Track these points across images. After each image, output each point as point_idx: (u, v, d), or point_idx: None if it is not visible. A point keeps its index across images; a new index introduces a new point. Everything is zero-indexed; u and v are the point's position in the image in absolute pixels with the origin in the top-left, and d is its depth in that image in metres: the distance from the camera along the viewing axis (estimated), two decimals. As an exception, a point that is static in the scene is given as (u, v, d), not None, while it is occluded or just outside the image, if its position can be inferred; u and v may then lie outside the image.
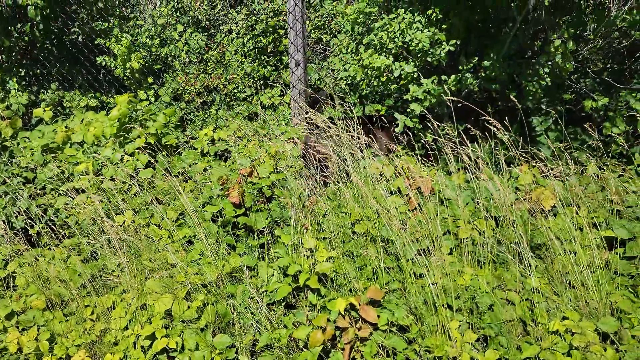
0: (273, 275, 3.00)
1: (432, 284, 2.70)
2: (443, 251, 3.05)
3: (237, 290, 2.89)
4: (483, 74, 3.88)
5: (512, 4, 3.77)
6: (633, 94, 3.81)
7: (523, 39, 4.14)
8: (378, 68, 3.72)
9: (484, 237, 3.13)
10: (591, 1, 4.33)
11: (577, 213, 3.24)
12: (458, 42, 3.93)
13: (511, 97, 4.32)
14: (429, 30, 3.54)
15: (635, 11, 3.49)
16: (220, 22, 6.14)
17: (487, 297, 2.67)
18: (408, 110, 3.79)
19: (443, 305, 2.65)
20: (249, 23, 5.89)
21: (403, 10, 3.57)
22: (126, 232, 3.27)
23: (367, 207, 3.43)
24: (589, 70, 3.99)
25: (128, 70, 5.27)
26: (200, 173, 4.07)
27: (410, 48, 3.61)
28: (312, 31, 6.21)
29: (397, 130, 3.80)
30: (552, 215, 3.31)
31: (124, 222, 3.40)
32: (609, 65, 4.37)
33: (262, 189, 3.65)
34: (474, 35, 4.13)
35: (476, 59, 3.87)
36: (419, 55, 3.73)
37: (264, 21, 5.69)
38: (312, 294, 2.80)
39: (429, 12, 3.64)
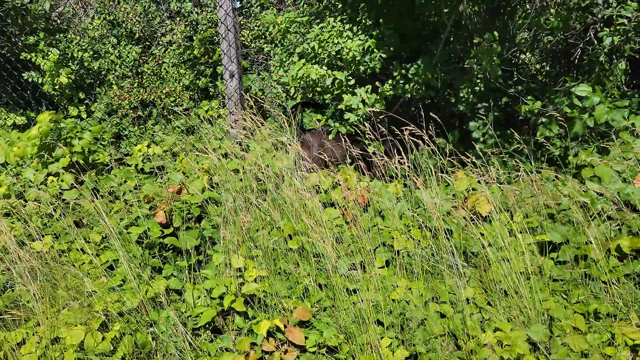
0: (199, 298, 2.84)
1: (362, 300, 2.60)
2: (377, 264, 2.96)
3: (160, 316, 2.72)
4: (417, 81, 3.83)
5: (446, 9, 3.74)
6: (565, 97, 3.82)
7: (457, 44, 4.12)
8: (312, 79, 3.62)
9: (420, 248, 3.05)
10: (528, 5, 4.36)
11: (511, 219, 3.20)
12: (392, 49, 3.87)
13: (449, 102, 4.30)
14: (359, 39, 3.47)
15: (559, 12, 3.51)
16: (159, 34, 5.96)
17: (420, 312, 2.59)
18: (344, 119, 3.71)
19: (375, 322, 2.55)
20: (187, 34, 5.73)
21: (332, 19, 3.49)
22: (44, 259, 3.06)
23: (301, 221, 3.31)
24: (517, 74, 3.99)
25: (57, 86, 5.02)
26: (130, 192, 3.88)
27: (342, 57, 3.53)
28: (253, 40, 6.09)
29: (330, 137, 3.71)
30: (488, 222, 3.26)
31: (42, 248, 3.18)
32: (543, 68, 4.40)
33: (191, 207, 3.49)
34: (409, 42, 4.08)
35: (410, 65, 3.82)
36: (351, 64, 3.65)
37: (204, 31, 5.54)
38: (239, 317, 2.66)
39: (358, 18, 3.57)
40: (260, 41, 6.04)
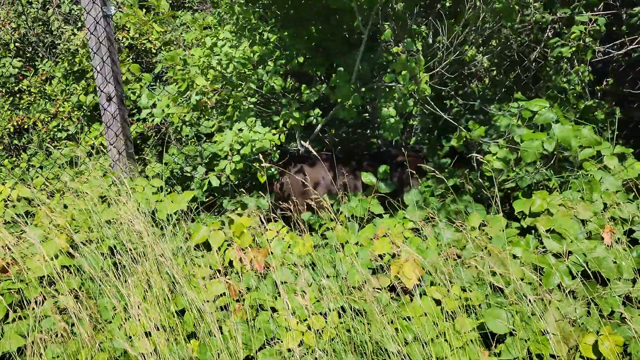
0: None
1: None
2: (259, 377, 2.15)
3: None
4: (335, 101, 3.01)
5: (359, 12, 2.91)
6: (514, 117, 3.06)
7: (380, 56, 3.30)
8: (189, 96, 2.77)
9: (321, 344, 2.25)
10: (468, 4, 3.55)
11: (447, 293, 2.41)
12: (300, 61, 3.04)
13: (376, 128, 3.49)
14: (244, 46, 2.62)
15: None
16: (47, 44, 5.01)
17: None
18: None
19: None
20: (81, 41, 4.80)
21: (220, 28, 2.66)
22: None
23: (171, 303, 2.47)
24: (453, 92, 3.20)
25: None
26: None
27: (222, 69, 2.67)
28: (163, 48, 5.19)
29: (202, 191, 2.85)
30: (419, 295, 2.46)
31: None
32: (490, 81, 3.62)
33: (29, 286, 2.61)
34: (324, 55, 3.25)
35: (322, 85, 2.99)
36: (240, 81, 2.80)
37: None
38: None
39: (250, 26, 2.73)
40: (171, 48, 5.14)
